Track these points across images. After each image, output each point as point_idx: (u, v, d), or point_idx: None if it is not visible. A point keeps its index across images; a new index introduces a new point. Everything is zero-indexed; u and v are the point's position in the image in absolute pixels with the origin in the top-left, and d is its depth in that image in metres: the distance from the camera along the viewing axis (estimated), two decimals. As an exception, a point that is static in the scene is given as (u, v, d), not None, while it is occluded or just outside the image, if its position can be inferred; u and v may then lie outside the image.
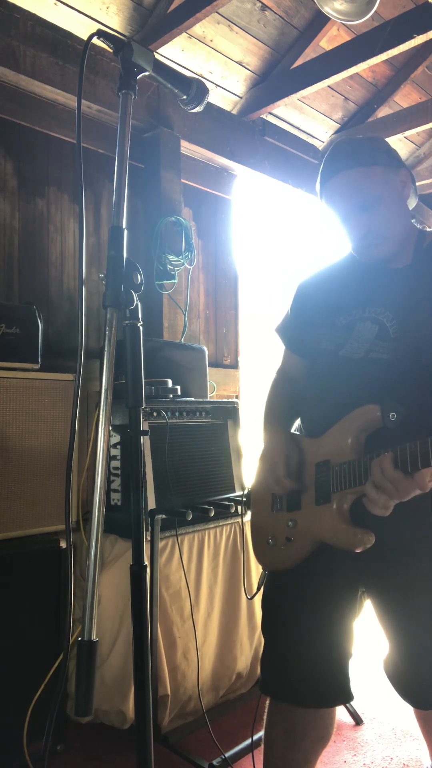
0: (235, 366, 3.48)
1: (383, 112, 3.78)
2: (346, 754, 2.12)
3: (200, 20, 2.64)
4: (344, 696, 1.42)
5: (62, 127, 2.70)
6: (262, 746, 1.49)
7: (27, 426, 2.04)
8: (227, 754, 2.03)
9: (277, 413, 1.55)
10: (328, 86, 3.46)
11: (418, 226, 1.43)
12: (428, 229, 1.44)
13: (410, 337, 1.28)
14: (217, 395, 3.22)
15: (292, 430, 1.55)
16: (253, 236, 3.79)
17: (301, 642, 1.40)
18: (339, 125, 3.89)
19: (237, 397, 3.39)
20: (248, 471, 2.52)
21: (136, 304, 1.07)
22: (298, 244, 4.10)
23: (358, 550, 1.25)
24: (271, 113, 3.56)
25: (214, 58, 3.11)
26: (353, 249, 1.41)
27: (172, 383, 2.42)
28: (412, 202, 1.42)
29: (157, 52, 2.85)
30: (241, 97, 3.39)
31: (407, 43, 2.69)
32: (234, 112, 3.41)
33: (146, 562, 1.07)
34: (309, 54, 3.21)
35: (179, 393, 2.42)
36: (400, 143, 4.14)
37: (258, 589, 1.55)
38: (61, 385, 2.12)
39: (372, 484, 1.18)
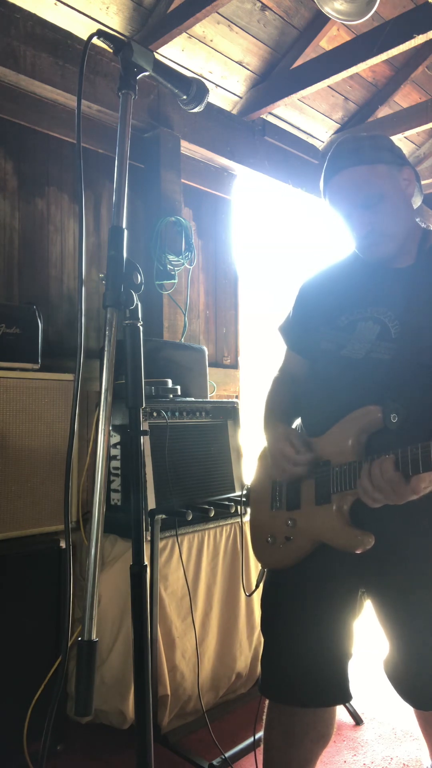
0: (235, 366, 3.48)
1: (383, 112, 3.78)
2: (346, 754, 2.12)
3: (200, 20, 2.65)
4: (343, 696, 1.42)
5: (62, 127, 2.69)
6: (262, 746, 1.49)
7: (27, 426, 2.04)
8: (227, 754, 2.03)
9: (278, 412, 1.55)
10: (328, 86, 3.46)
11: (423, 226, 1.43)
12: None
13: (412, 338, 1.28)
14: (217, 395, 3.22)
15: None
16: (253, 236, 3.80)
17: (300, 642, 1.40)
18: (339, 125, 3.89)
19: (237, 397, 3.39)
20: (248, 471, 2.51)
21: (136, 304, 1.06)
22: (298, 244, 4.11)
23: (357, 552, 1.25)
24: (271, 113, 3.56)
25: (214, 58, 3.11)
26: (356, 247, 1.41)
27: (172, 383, 2.42)
28: (417, 201, 1.41)
29: (157, 52, 2.85)
30: (241, 97, 3.39)
31: (407, 43, 2.70)
32: (234, 112, 3.41)
33: (146, 562, 1.07)
34: (309, 54, 3.21)
35: (179, 393, 2.42)
36: (400, 143, 4.13)
37: (256, 586, 1.55)
38: (61, 385, 2.13)
39: (369, 481, 1.18)
